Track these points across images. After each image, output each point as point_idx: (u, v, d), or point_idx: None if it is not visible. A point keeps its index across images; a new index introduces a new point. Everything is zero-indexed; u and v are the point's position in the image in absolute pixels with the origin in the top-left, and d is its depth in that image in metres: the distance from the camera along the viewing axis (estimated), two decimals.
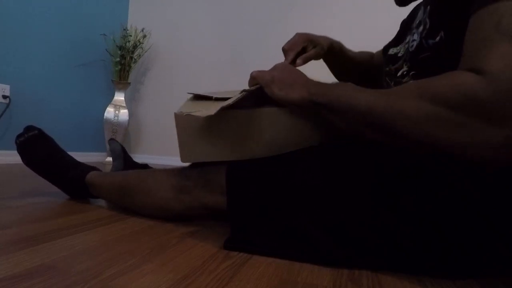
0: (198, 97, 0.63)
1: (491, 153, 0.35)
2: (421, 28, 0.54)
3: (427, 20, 0.52)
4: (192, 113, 0.52)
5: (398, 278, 0.46)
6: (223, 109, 0.48)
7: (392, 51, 0.66)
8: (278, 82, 0.54)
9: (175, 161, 2.28)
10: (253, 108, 0.56)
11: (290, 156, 0.56)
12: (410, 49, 0.57)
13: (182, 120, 0.57)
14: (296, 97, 0.52)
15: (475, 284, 0.46)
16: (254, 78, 0.56)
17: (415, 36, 0.55)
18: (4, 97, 1.68)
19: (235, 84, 2.02)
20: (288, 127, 0.57)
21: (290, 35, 0.75)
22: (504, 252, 0.45)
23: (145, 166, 1.09)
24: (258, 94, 0.56)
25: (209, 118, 0.51)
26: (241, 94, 0.52)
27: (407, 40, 0.61)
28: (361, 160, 0.52)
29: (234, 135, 0.56)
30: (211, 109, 0.50)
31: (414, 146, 0.42)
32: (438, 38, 0.49)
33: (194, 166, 0.65)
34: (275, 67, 0.59)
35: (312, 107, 0.51)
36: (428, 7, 0.54)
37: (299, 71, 0.57)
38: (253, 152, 0.57)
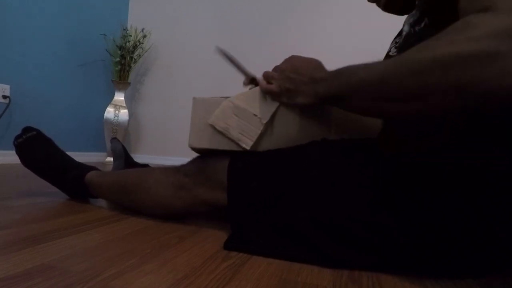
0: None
1: None
2: (411, 20, 0.55)
3: (417, 13, 0.53)
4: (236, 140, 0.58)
5: (398, 279, 0.46)
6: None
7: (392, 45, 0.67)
8: (285, 92, 0.56)
9: (175, 161, 2.28)
10: None
11: (291, 153, 0.56)
12: (402, 40, 0.58)
13: (199, 104, 0.61)
14: (305, 103, 0.53)
15: (475, 284, 0.46)
16: (264, 89, 0.59)
17: (406, 27, 0.57)
18: (4, 97, 1.68)
19: (235, 85, 2.02)
20: (298, 122, 0.59)
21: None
22: (504, 253, 0.45)
23: (145, 167, 1.09)
24: None
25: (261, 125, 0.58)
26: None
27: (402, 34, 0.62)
28: (362, 161, 0.52)
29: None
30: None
31: (437, 102, 0.37)
32: (423, 24, 0.50)
33: (193, 163, 0.65)
34: (282, 69, 0.57)
35: (324, 103, 0.52)
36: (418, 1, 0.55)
37: (307, 64, 0.56)
38: (260, 146, 0.60)
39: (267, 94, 0.59)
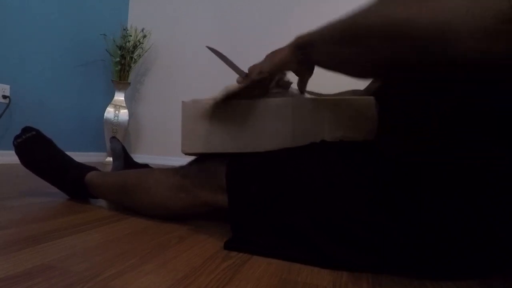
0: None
1: (494, 22, 0.29)
2: None
3: None
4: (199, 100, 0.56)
5: (398, 279, 0.46)
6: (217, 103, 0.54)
7: None
8: (266, 60, 0.57)
9: (175, 161, 2.28)
10: (258, 98, 0.58)
11: (290, 154, 0.56)
12: None
13: (188, 108, 0.59)
14: (282, 57, 0.55)
15: (475, 284, 0.46)
16: (250, 74, 0.60)
17: None
18: (4, 97, 1.68)
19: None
20: (291, 119, 0.58)
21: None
22: (504, 253, 0.45)
23: (145, 167, 1.09)
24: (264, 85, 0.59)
25: (214, 105, 0.56)
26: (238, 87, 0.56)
27: None
28: (361, 161, 0.52)
29: (238, 125, 0.58)
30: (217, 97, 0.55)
31: (377, 44, 0.39)
32: None
33: (192, 164, 0.65)
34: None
35: (304, 53, 0.53)
36: None
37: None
38: (254, 145, 0.58)
39: (253, 72, 0.59)
